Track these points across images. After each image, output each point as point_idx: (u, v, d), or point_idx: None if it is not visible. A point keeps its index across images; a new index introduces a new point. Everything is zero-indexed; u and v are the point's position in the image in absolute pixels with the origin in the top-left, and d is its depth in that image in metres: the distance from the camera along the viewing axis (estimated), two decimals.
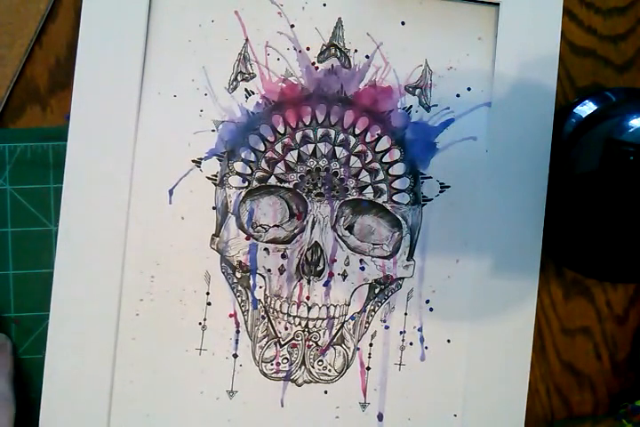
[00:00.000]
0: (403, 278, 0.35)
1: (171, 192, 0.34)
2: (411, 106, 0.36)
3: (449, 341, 0.35)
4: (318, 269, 0.35)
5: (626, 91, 0.37)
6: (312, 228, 0.35)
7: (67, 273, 0.33)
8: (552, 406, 0.38)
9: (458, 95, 0.36)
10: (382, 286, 0.35)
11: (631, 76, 0.38)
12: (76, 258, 0.33)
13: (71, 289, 0.33)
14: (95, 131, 0.33)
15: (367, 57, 0.36)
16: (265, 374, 0.34)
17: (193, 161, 0.34)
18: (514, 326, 0.35)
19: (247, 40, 0.35)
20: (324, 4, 0.35)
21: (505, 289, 0.35)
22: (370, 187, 0.35)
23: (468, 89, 0.36)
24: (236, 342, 0.34)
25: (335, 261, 0.35)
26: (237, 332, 0.34)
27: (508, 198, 0.35)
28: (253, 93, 0.35)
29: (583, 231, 0.35)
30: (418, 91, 0.36)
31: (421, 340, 0.35)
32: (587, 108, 0.36)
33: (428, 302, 0.35)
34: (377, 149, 0.35)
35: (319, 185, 0.35)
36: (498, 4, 0.35)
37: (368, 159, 0.35)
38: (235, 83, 0.35)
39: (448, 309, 0.35)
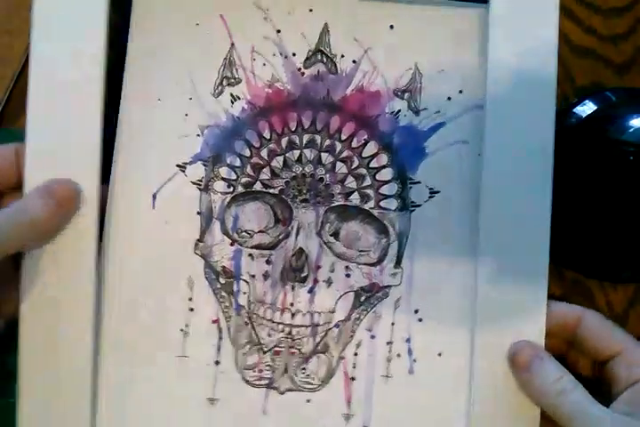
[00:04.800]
0: (390, 286, 0.34)
1: (154, 197, 0.34)
2: (399, 110, 0.35)
3: (440, 354, 0.34)
4: (303, 275, 0.34)
5: (626, 91, 0.37)
6: (297, 234, 0.34)
7: (38, 265, 0.32)
8: None
9: (449, 98, 0.35)
10: (368, 294, 0.34)
11: (631, 76, 0.38)
12: (51, 253, 0.32)
13: (46, 280, 0.32)
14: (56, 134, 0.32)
15: (354, 62, 0.35)
16: (247, 382, 0.34)
17: (177, 166, 0.34)
18: (518, 339, 0.33)
19: (233, 45, 0.35)
20: (311, 10, 0.35)
21: (506, 300, 0.33)
22: (356, 193, 0.35)
23: (460, 92, 0.35)
24: (219, 349, 0.34)
25: (320, 267, 0.34)
26: (220, 338, 0.34)
27: (507, 202, 0.34)
28: (239, 99, 0.35)
29: (583, 232, 0.34)
30: (407, 95, 0.35)
31: (409, 352, 0.34)
32: (586, 108, 0.36)
33: (417, 311, 0.34)
34: (364, 155, 0.35)
35: (304, 191, 0.34)
36: (487, 2, 0.35)
37: (354, 165, 0.35)
38: (220, 87, 0.35)
39: (439, 319, 0.34)
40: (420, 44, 0.35)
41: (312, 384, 0.34)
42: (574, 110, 0.36)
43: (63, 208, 0.31)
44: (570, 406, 0.30)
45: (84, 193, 0.32)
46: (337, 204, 0.34)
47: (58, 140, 0.32)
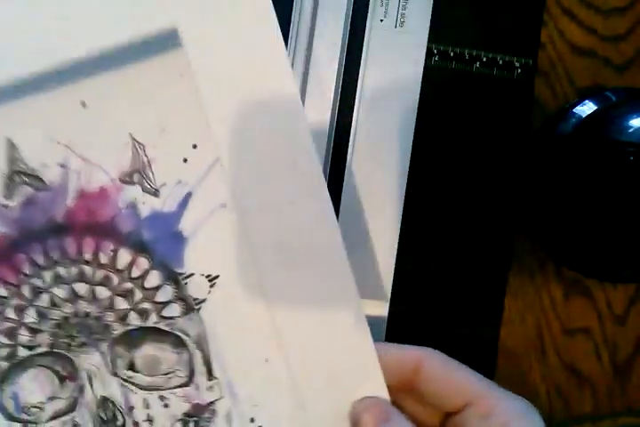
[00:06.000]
0: (213, 402, 0.30)
1: None
2: (135, 198, 0.29)
3: None
4: (118, 424, 0.30)
5: (626, 91, 0.37)
6: (91, 383, 0.30)
7: None
8: (551, 406, 0.38)
9: (185, 160, 0.29)
10: (197, 418, 0.30)
11: (631, 76, 0.38)
12: None
13: None
14: None
15: (62, 165, 0.29)
16: None
17: None
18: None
19: None
20: None
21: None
22: (132, 312, 0.29)
23: (194, 146, 0.29)
24: None
25: (133, 408, 0.30)
26: None
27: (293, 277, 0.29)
28: None
29: (583, 231, 0.35)
30: (136, 176, 0.29)
31: None
32: (586, 109, 0.36)
33: (252, 420, 0.30)
34: (119, 267, 0.29)
35: (76, 334, 0.29)
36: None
37: (115, 282, 0.29)
38: None
39: (277, 422, 0.30)
40: (126, 109, 0.29)
41: None
42: (574, 110, 0.36)
43: None
44: None
45: None
46: (117, 333, 0.29)
47: None
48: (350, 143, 0.37)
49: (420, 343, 0.29)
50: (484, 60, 0.38)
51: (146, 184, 0.29)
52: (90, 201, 0.29)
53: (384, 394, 0.28)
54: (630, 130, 0.33)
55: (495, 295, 0.38)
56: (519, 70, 0.38)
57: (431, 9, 0.37)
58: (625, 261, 0.35)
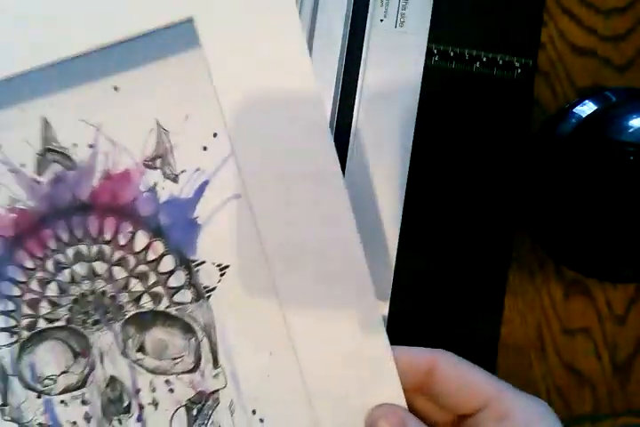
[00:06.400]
0: (217, 391, 0.30)
1: None
2: (155, 184, 0.30)
3: None
4: (124, 405, 0.30)
5: (626, 91, 0.37)
6: (102, 362, 0.30)
7: None
8: (551, 406, 0.37)
9: (205, 148, 0.30)
10: (200, 405, 0.30)
11: (631, 76, 0.38)
12: None
13: None
14: None
15: (91, 146, 0.30)
16: None
17: None
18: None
19: None
20: (23, 110, 0.30)
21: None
22: (145, 295, 0.30)
23: (214, 135, 0.29)
24: None
25: (140, 390, 0.30)
26: None
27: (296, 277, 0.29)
28: None
29: (583, 231, 0.35)
30: (159, 161, 0.30)
31: None
32: (586, 109, 0.36)
33: (254, 412, 0.30)
34: (136, 249, 0.30)
35: (92, 312, 0.30)
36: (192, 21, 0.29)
37: (131, 264, 0.30)
38: None
39: (280, 416, 0.30)
40: (153, 96, 0.30)
41: None
42: (574, 110, 0.36)
43: None
44: None
45: None
46: (130, 314, 0.30)
47: None
48: (350, 143, 0.37)
49: (419, 343, 0.30)
50: (484, 60, 0.38)
51: (167, 170, 0.30)
52: (114, 183, 0.30)
53: (401, 401, 0.28)
54: (630, 130, 0.33)
55: (495, 295, 0.38)
56: (519, 70, 0.38)
57: (431, 9, 0.37)
58: (625, 261, 0.35)
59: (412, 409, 0.28)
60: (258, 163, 0.29)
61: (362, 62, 0.37)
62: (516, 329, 0.38)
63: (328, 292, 0.29)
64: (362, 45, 0.37)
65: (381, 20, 0.37)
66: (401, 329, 0.37)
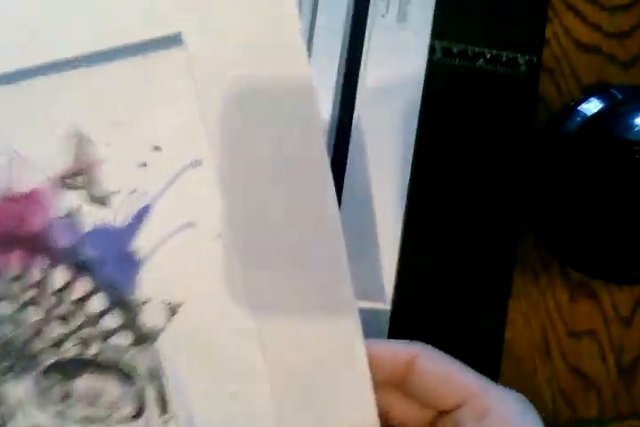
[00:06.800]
0: None
1: None
2: (76, 207, 0.24)
3: None
4: None
5: (632, 88, 0.37)
6: (22, 412, 0.26)
7: None
8: (557, 409, 0.38)
9: (144, 164, 0.24)
10: None
11: (637, 73, 0.38)
12: None
13: None
14: None
15: None
16: None
17: None
18: None
19: None
20: None
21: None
22: (70, 339, 0.25)
23: (157, 148, 0.24)
24: None
25: None
26: None
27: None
28: None
29: (588, 231, 0.35)
30: (81, 178, 0.24)
31: None
32: (592, 106, 0.36)
33: None
34: (56, 288, 0.25)
35: (1, 362, 0.25)
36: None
37: (49, 304, 0.25)
38: None
39: None
40: (73, 101, 0.24)
41: None
42: (579, 108, 0.36)
43: None
44: None
45: None
46: (49, 362, 0.25)
47: None
48: (351, 141, 0.36)
49: None
50: (488, 56, 0.37)
51: (92, 190, 0.24)
52: (18, 205, 0.24)
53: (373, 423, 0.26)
54: (636, 128, 0.33)
55: (499, 297, 0.37)
56: (523, 67, 0.37)
57: (434, 5, 0.36)
58: (631, 262, 0.35)
59: (389, 407, 0.27)
60: (234, 174, 0.24)
61: (363, 59, 0.36)
62: (520, 332, 0.37)
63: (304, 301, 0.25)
64: (363, 42, 0.36)
65: (383, 16, 0.36)
66: (403, 330, 0.36)
